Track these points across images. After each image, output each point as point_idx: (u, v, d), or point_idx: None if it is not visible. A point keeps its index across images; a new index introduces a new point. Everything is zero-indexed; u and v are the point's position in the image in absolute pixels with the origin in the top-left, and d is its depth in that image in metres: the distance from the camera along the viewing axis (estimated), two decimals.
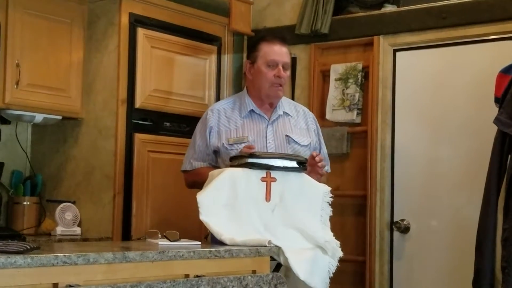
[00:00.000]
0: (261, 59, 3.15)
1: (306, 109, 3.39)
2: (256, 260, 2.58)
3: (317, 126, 3.36)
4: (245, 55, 4.38)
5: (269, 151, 3.08)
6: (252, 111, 3.16)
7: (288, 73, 3.21)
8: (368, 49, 4.20)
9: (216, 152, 3.15)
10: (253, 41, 3.32)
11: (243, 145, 3.05)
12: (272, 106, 3.22)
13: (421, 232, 4.02)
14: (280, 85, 3.15)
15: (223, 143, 3.09)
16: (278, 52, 3.16)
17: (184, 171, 3.25)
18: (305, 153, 3.15)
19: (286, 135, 3.16)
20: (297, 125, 3.24)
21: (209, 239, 2.99)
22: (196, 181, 3.11)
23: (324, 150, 3.35)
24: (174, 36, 4.04)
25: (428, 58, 4.07)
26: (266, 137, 3.12)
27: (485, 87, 3.63)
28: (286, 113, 3.24)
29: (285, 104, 3.28)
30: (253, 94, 3.19)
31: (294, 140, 3.17)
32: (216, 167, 3.11)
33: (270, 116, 3.19)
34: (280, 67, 3.14)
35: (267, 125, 3.16)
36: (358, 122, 4.21)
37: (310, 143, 3.22)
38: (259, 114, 3.17)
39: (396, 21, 4.10)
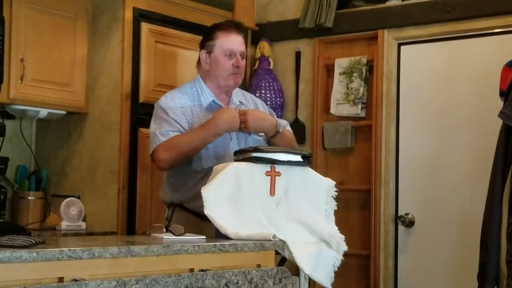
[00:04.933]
0: (218, 48, 3.08)
1: (253, 96, 3.37)
2: (261, 254, 2.58)
3: (271, 111, 3.32)
4: (249, 49, 4.37)
5: (232, 143, 3.04)
6: (213, 101, 3.10)
7: (245, 60, 3.14)
8: (373, 43, 4.20)
9: None
10: (208, 30, 3.20)
11: None
12: (228, 95, 3.17)
13: (425, 226, 4.02)
14: (239, 74, 3.10)
15: None
16: (236, 41, 3.10)
17: (156, 149, 2.95)
18: (264, 142, 3.12)
19: None
20: None
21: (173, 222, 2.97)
22: (181, 152, 2.91)
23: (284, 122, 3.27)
24: (178, 31, 4.04)
25: (433, 52, 4.06)
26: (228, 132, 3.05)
27: (490, 80, 3.62)
28: (241, 101, 3.21)
29: (237, 92, 3.23)
30: (209, 84, 3.12)
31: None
32: None
33: (227, 106, 3.13)
34: (239, 56, 3.09)
35: None
36: (363, 116, 4.21)
37: None
38: (219, 105, 3.10)
39: (401, 15, 4.09)
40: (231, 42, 3.09)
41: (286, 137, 3.15)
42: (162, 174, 3.20)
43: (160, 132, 2.96)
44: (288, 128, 3.24)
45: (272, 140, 3.11)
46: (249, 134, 3.10)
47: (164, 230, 2.70)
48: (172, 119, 2.98)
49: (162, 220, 3.08)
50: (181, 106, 3.04)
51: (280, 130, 3.09)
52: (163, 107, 3.03)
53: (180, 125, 2.99)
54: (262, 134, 3.12)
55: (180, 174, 3.06)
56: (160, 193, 3.22)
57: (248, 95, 3.35)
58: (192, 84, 3.17)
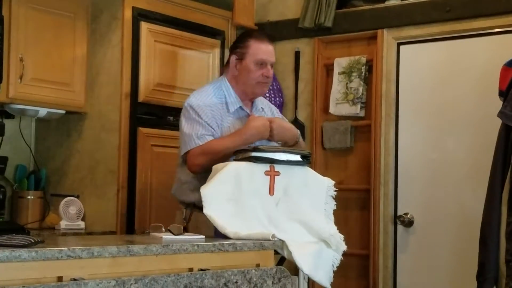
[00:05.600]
0: (250, 56, 3.11)
1: (269, 102, 3.44)
2: (260, 253, 2.58)
3: (279, 115, 3.41)
4: None
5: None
6: (240, 107, 3.15)
7: (273, 71, 3.20)
8: (372, 42, 4.20)
9: None
10: (241, 36, 3.26)
11: None
12: (251, 101, 3.22)
13: (425, 225, 4.02)
14: (267, 83, 3.16)
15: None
16: (268, 51, 3.14)
17: (192, 153, 2.98)
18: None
19: None
20: None
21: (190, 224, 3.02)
22: (216, 158, 2.92)
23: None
24: (177, 30, 4.04)
25: (432, 52, 4.06)
26: None
27: (489, 80, 3.62)
28: (262, 108, 3.26)
29: (258, 99, 3.27)
30: (236, 89, 3.15)
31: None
32: None
33: (251, 112, 3.18)
34: (269, 66, 3.13)
35: None
36: (362, 116, 4.21)
37: None
38: (244, 111, 3.15)
39: (400, 15, 4.09)
40: (264, 52, 3.13)
41: (302, 147, 3.22)
42: (176, 174, 3.20)
43: (196, 135, 2.99)
44: (301, 138, 3.28)
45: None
46: (270, 142, 3.13)
47: (163, 229, 2.69)
48: (205, 122, 3.02)
49: (179, 220, 3.08)
50: (211, 108, 3.07)
51: (299, 141, 3.17)
52: (194, 107, 3.06)
53: (212, 128, 3.03)
54: (280, 142, 3.16)
55: (208, 176, 3.06)
56: (174, 192, 3.21)
57: (265, 101, 3.39)
58: (218, 85, 3.18)
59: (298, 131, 3.21)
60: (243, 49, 3.14)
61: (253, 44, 3.13)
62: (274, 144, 3.13)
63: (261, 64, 3.11)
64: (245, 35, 3.27)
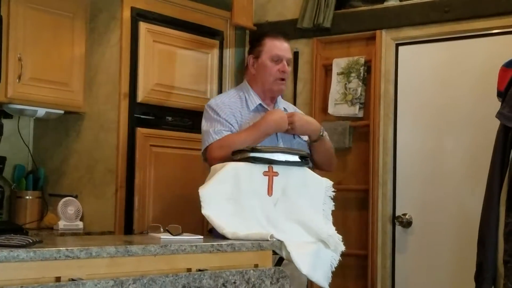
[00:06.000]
0: (266, 53, 3.17)
1: (294, 106, 3.49)
2: (258, 254, 2.58)
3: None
4: (247, 49, 4.37)
5: (279, 144, 3.11)
6: (260, 105, 3.18)
7: (290, 68, 3.25)
8: (371, 43, 4.20)
9: None
10: (256, 36, 3.35)
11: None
12: (273, 101, 3.25)
13: (423, 226, 4.02)
14: (284, 80, 3.18)
15: None
16: (283, 47, 3.20)
17: (210, 148, 3.01)
18: (306, 148, 3.19)
19: None
20: None
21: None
22: (231, 152, 2.91)
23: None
24: (176, 30, 4.04)
25: (431, 52, 4.06)
26: (276, 132, 3.13)
27: (487, 81, 3.62)
28: (285, 108, 3.28)
29: (281, 100, 3.33)
30: (255, 89, 3.20)
31: (298, 135, 3.20)
32: None
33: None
34: (285, 62, 3.18)
35: None
36: (361, 116, 4.21)
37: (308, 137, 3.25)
38: (265, 108, 3.18)
39: (399, 15, 4.09)
40: (279, 48, 3.18)
41: (327, 144, 3.24)
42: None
43: (213, 131, 3.03)
44: (325, 132, 3.28)
45: (314, 144, 3.18)
46: (294, 137, 3.17)
47: (162, 229, 2.70)
48: (223, 118, 3.06)
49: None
50: (230, 107, 3.11)
51: (323, 135, 3.18)
52: (213, 107, 3.11)
53: (231, 124, 3.06)
54: (306, 138, 3.19)
55: None
56: None
57: (290, 105, 3.43)
58: (239, 89, 3.26)
59: (321, 126, 3.22)
60: (258, 47, 3.21)
61: (268, 42, 3.19)
62: (300, 141, 3.18)
63: (277, 60, 3.16)
64: (260, 34, 3.36)
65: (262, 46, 3.20)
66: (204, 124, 3.11)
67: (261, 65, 3.18)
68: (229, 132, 3.03)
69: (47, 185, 4.05)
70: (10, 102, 3.64)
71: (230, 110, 3.10)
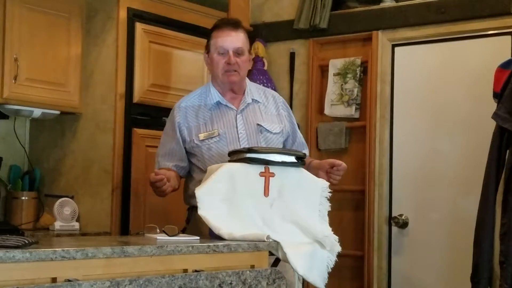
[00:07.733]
0: (213, 47, 3.10)
1: (276, 94, 3.32)
2: (255, 255, 2.58)
3: (289, 112, 3.29)
4: None
5: (241, 141, 3.05)
6: (218, 102, 3.13)
7: (245, 57, 3.11)
8: (367, 44, 4.20)
9: (189, 153, 3.12)
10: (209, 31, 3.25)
11: (214, 139, 3.04)
12: (239, 93, 3.16)
13: (419, 227, 4.03)
14: (234, 71, 3.09)
15: (193, 139, 3.08)
16: (227, 38, 3.08)
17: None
18: (278, 141, 3.13)
19: (258, 124, 3.11)
20: (267, 111, 3.18)
21: (191, 223, 3.05)
22: None
23: (300, 136, 3.30)
24: (172, 31, 4.04)
25: (427, 53, 4.07)
26: (236, 127, 3.08)
27: (483, 82, 3.63)
28: (255, 100, 3.18)
29: (253, 90, 3.22)
30: (215, 84, 3.16)
31: (266, 129, 3.12)
32: (182, 167, 3.13)
33: (238, 105, 3.14)
34: (231, 53, 3.06)
35: (236, 115, 3.11)
36: (357, 117, 4.22)
37: (282, 130, 3.17)
38: (225, 105, 3.13)
39: (395, 16, 4.10)
40: (223, 40, 3.08)
41: None
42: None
43: (157, 154, 3.22)
44: (306, 151, 3.23)
45: None
46: (261, 132, 3.10)
47: (158, 230, 2.69)
48: (167, 143, 3.17)
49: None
50: (186, 111, 3.13)
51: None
52: (174, 110, 3.19)
53: (172, 150, 3.14)
54: (278, 131, 3.13)
55: (191, 178, 3.14)
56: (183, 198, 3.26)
57: (270, 93, 3.30)
58: (203, 87, 3.24)
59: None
60: (208, 42, 3.15)
61: (214, 35, 3.12)
62: (269, 136, 3.12)
63: (223, 52, 3.07)
64: (211, 28, 3.21)
65: (210, 40, 3.12)
66: (163, 134, 3.23)
67: (211, 60, 3.12)
68: (166, 165, 3.10)
69: (43, 186, 4.04)
70: (6, 103, 3.63)
71: (184, 117, 3.11)
